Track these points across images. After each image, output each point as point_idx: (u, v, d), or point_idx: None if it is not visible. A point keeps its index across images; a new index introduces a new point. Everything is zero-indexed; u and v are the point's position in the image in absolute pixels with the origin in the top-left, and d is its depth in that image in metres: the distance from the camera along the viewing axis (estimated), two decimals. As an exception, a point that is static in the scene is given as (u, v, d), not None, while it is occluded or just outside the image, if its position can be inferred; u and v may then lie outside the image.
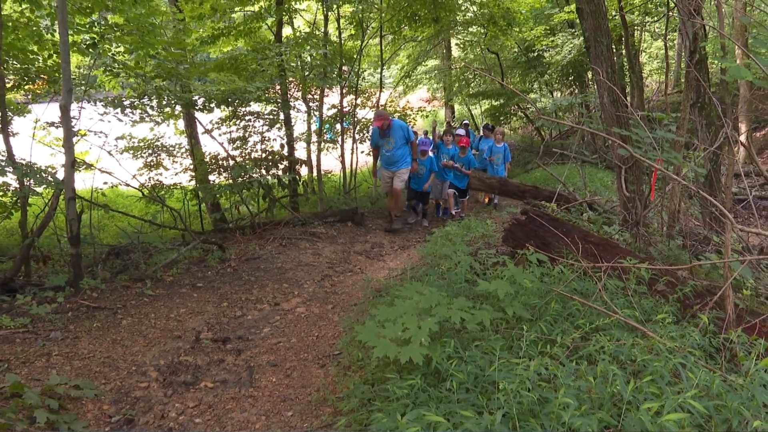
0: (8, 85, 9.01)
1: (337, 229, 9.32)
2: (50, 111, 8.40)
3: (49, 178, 5.98)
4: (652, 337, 2.96)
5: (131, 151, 10.11)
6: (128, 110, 8.37)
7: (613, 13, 12.18)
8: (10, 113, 9.81)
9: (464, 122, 14.17)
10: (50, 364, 4.07)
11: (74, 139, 8.05)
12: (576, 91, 16.86)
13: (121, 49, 8.19)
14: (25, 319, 4.78)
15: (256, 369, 4.26)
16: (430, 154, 9.91)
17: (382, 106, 13.57)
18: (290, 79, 11.56)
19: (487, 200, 11.64)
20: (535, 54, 17.16)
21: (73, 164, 5.47)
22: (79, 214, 5.80)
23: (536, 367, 2.60)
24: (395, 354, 2.86)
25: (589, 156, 12.72)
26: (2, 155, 8.60)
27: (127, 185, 8.45)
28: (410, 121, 13.88)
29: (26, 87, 9.19)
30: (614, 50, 14.48)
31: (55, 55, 7.85)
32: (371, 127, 10.00)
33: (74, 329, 4.74)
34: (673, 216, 5.56)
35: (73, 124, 8.03)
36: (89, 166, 7.26)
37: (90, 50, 8.05)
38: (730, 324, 3.44)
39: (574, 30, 15.26)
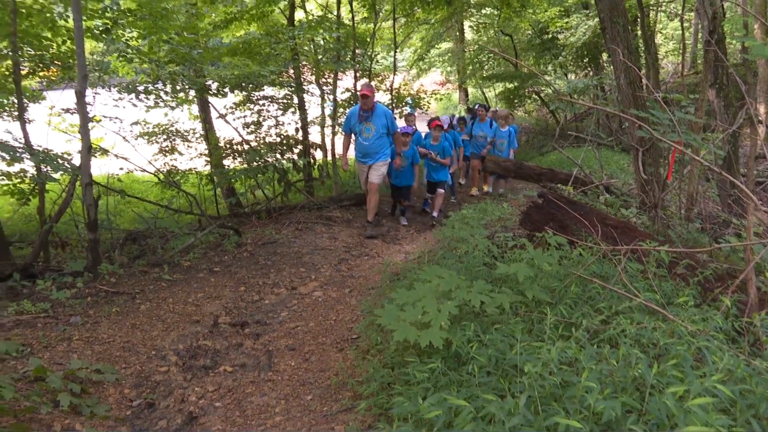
0: (24, 72, 9.06)
1: (353, 212, 9.30)
2: (65, 97, 8.44)
3: (66, 165, 6.02)
4: (674, 321, 2.93)
5: (146, 137, 10.16)
6: (142, 96, 8.37)
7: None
8: (25, 100, 9.88)
9: (477, 105, 13.70)
10: (71, 348, 4.11)
11: (90, 125, 8.12)
12: (591, 73, 16.66)
13: (134, 34, 8.18)
14: (45, 304, 4.83)
15: (275, 353, 4.28)
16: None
17: (395, 89, 13.49)
18: (303, 62, 11.52)
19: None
20: (550, 36, 16.93)
21: (89, 150, 5.49)
22: (96, 199, 5.84)
23: (558, 350, 2.59)
24: (415, 338, 2.85)
25: (606, 138, 12.60)
26: (20, 142, 8.67)
27: (143, 170, 8.47)
28: (424, 105, 13.77)
29: (41, 74, 9.23)
30: (630, 31, 14.30)
31: (69, 42, 7.85)
32: (348, 110, 8.74)
33: (93, 314, 4.78)
34: (691, 198, 5.50)
35: (88, 110, 8.09)
36: (105, 152, 7.28)
37: (103, 36, 8.06)
38: (753, 307, 3.40)
39: (588, 11, 15.05)
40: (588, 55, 16.09)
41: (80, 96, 5.37)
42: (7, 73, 8.27)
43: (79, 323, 4.54)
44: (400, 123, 9.98)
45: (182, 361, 4.12)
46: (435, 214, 8.88)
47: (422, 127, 10.76)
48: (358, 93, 8.24)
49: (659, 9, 15.18)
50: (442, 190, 9.06)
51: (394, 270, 5.82)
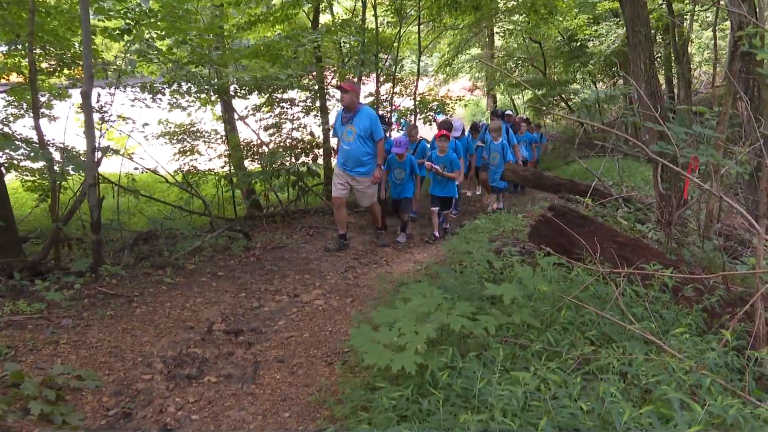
0: (49, 70, 9.18)
1: (368, 219, 9.17)
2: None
3: (76, 163, 6.04)
4: (668, 352, 2.74)
5: (167, 137, 10.22)
6: (159, 96, 8.39)
7: (660, 1, 11.68)
8: (51, 97, 10.00)
9: (506, 112, 13.27)
10: (57, 352, 4.06)
11: (110, 125, 8.17)
12: (620, 82, 16.31)
13: (154, 35, 8.21)
14: (41, 305, 4.81)
15: (262, 364, 4.18)
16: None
17: (420, 94, 13.33)
18: (328, 66, 11.46)
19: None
20: (578, 43, 16.64)
21: (93, 150, 5.47)
22: (100, 200, 5.82)
23: (532, 384, 2.44)
24: (387, 362, 2.72)
25: (631, 149, 12.25)
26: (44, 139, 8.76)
27: (152, 171, 8.47)
28: (449, 111, 13.59)
29: (65, 72, 9.34)
30: (661, 40, 13.97)
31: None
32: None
33: (87, 317, 4.74)
34: (710, 216, 5.25)
35: (106, 110, 8.13)
36: (116, 152, 7.30)
37: (125, 36, 8.10)
38: (760, 341, 3.19)
39: (618, 19, 14.76)
40: (617, 63, 15.77)
41: (86, 97, 5.35)
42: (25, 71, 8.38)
43: (69, 326, 4.50)
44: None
45: (167, 369, 4.05)
46: (436, 233, 8.19)
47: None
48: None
49: (693, 18, 14.80)
50: (447, 210, 8.42)
51: (398, 281, 5.68)
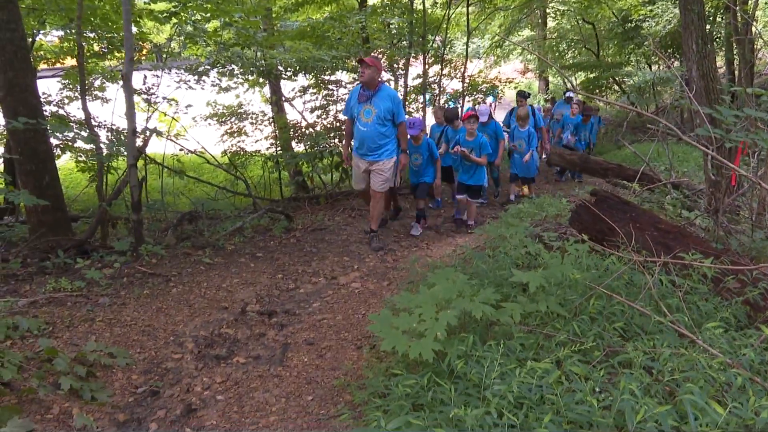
0: (101, 53, 9.40)
1: (411, 201, 9.10)
2: (136, 78, 8.69)
3: (119, 144, 6.16)
4: (701, 346, 2.60)
5: (215, 118, 10.34)
6: (204, 78, 8.48)
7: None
8: (104, 80, 10.24)
9: (567, 94, 12.64)
10: (92, 329, 4.16)
11: (157, 106, 8.32)
12: (676, 64, 15.65)
13: (198, 17, 8.29)
14: (82, 283, 4.94)
15: (292, 346, 4.18)
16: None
17: (470, 77, 13.09)
18: (379, 48, 11.34)
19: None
20: (633, 24, 15.96)
21: (134, 132, 5.55)
22: (141, 180, 5.92)
23: (555, 376, 2.34)
24: (404, 348, 2.66)
25: (688, 133, 11.78)
26: (96, 121, 8.99)
27: (195, 153, 8.57)
28: (499, 94, 13.31)
29: (116, 54, 9.56)
30: (721, 19, 13.29)
31: (133, 25, 8.06)
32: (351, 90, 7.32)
33: (124, 295, 4.84)
34: (762, 203, 4.97)
35: (153, 91, 8.27)
36: (159, 133, 7.41)
37: (173, 18, 8.21)
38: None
39: (674, -2, 14.15)
40: (673, 44, 15.10)
41: (126, 79, 5.43)
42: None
43: (106, 304, 4.60)
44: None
45: (198, 349, 4.09)
46: (471, 222, 7.59)
47: (499, 117, 10.27)
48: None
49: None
50: (474, 201, 7.61)
51: (428, 265, 5.59)
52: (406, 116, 7.13)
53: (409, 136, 7.05)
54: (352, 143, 6.69)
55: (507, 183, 9.84)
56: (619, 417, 2.11)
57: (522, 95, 9.31)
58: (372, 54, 11.16)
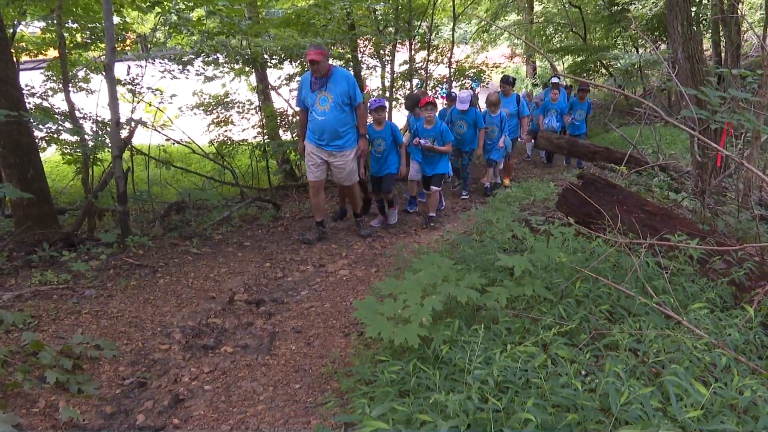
0: (83, 44, 9.29)
1: (399, 188, 9.07)
2: (120, 69, 8.60)
3: (105, 137, 6.11)
4: (687, 327, 2.61)
5: (201, 108, 10.26)
6: (188, 67, 8.40)
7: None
8: (88, 71, 10.13)
9: (552, 79, 12.44)
10: (78, 322, 4.13)
11: (142, 97, 8.25)
12: (663, 46, 15.64)
13: (182, 6, 8.20)
14: (68, 276, 4.91)
15: (279, 335, 4.18)
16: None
17: (456, 62, 13.02)
18: (365, 35, 11.25)
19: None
20: (619, 7, 15.92)
21: (117, 123, 5.50)
22: (126, 172, 5.87)
23: (541, 360, 2.34)
24: (389, 334, 2.66)
25: (675, 116, 11.78)
26: (81, 112, 8.91)
27: (180, 143, 8.51)
28: (486, 78, 13.22)
29: (100, 45, 9.44)
30: (707, 1, 13.28)
31: (114, 14, 7.96)
32: (300, 78, 6.75)
33: (110, 287, 4.81)
34: (748, 184, 4.99)
35: (137, 82, 8.19)
36: (143, 124, 7.34)
37: (155, 8, 8.11)
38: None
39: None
40: (659, 27, 15.08)
41: (108, 69, 5.37)
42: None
43: (93, 296, 4.57)
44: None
45: (185, 340, 4.08)
46: (432, 214, 7.23)
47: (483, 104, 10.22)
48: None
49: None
50: (437, 188, 7.17)
51: (415, 251, 5.58)
52: (385, 102, 6.71)
53: (370, 120, 6.72)
54: (307, 134, 6.17)
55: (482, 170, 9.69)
56: (604, 399, 2.11)
57: (506, 81, 9.19)
58: (360, 40, 11.07)
